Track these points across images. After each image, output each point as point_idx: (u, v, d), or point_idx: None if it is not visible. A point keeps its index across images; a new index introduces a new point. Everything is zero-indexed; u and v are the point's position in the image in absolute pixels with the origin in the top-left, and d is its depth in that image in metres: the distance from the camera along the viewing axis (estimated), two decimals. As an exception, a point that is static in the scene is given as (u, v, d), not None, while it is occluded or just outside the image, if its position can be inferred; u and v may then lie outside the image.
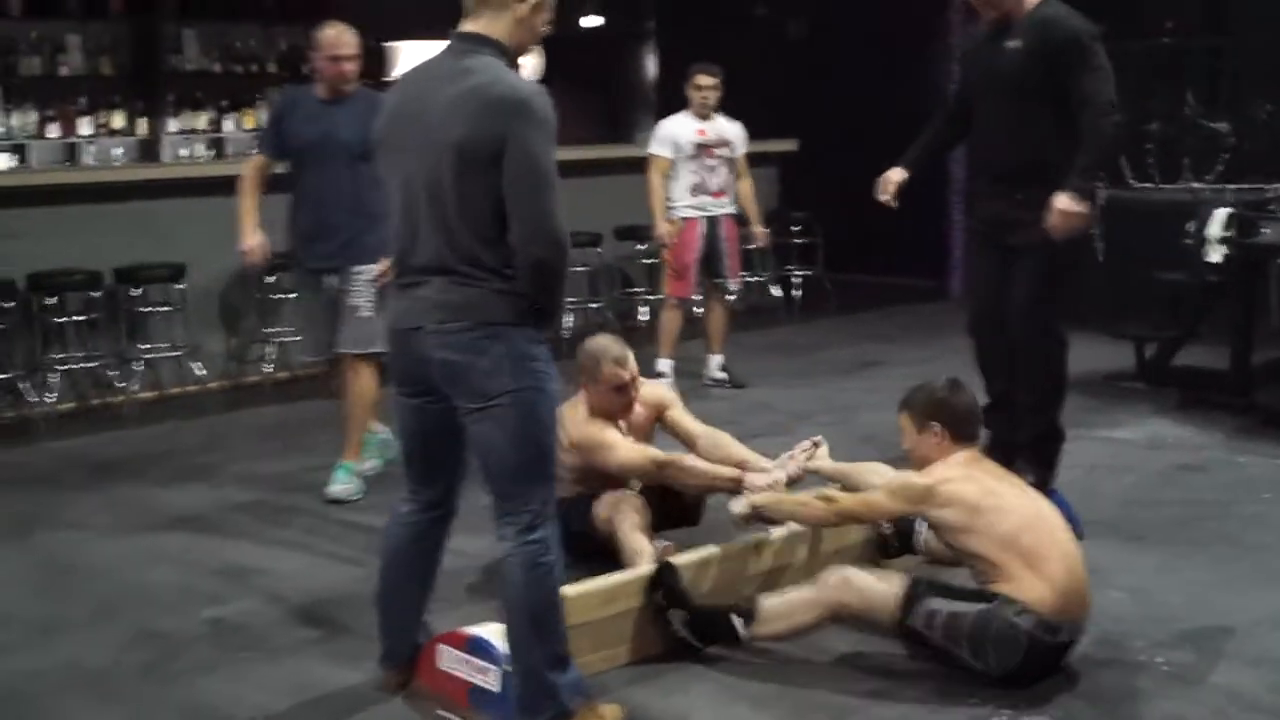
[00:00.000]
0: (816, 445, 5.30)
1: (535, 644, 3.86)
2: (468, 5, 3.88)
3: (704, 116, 8.61)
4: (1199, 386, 8.25)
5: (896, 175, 6.21)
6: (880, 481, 4.91)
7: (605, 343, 5.37)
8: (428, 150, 3.74)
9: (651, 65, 15.05)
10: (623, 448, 5.25)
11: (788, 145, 11.89)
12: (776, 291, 11.58)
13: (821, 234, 11.69)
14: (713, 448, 5.40)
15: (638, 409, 5.46)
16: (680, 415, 5.58)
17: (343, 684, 4.46)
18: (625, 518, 5.13)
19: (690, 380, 8.81)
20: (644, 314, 10.69)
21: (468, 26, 3.87)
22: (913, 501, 4.52)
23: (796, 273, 11.73)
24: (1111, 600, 4.92)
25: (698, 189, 8.59)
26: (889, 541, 5.22)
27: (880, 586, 4.43)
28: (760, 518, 4.82)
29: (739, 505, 4.83)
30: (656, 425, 5.58)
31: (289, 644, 4.84)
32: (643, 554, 4.94)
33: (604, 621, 4.42)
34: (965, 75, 6.31)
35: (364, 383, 6.48)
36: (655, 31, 15.10)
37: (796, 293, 11.67)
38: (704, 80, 8.60)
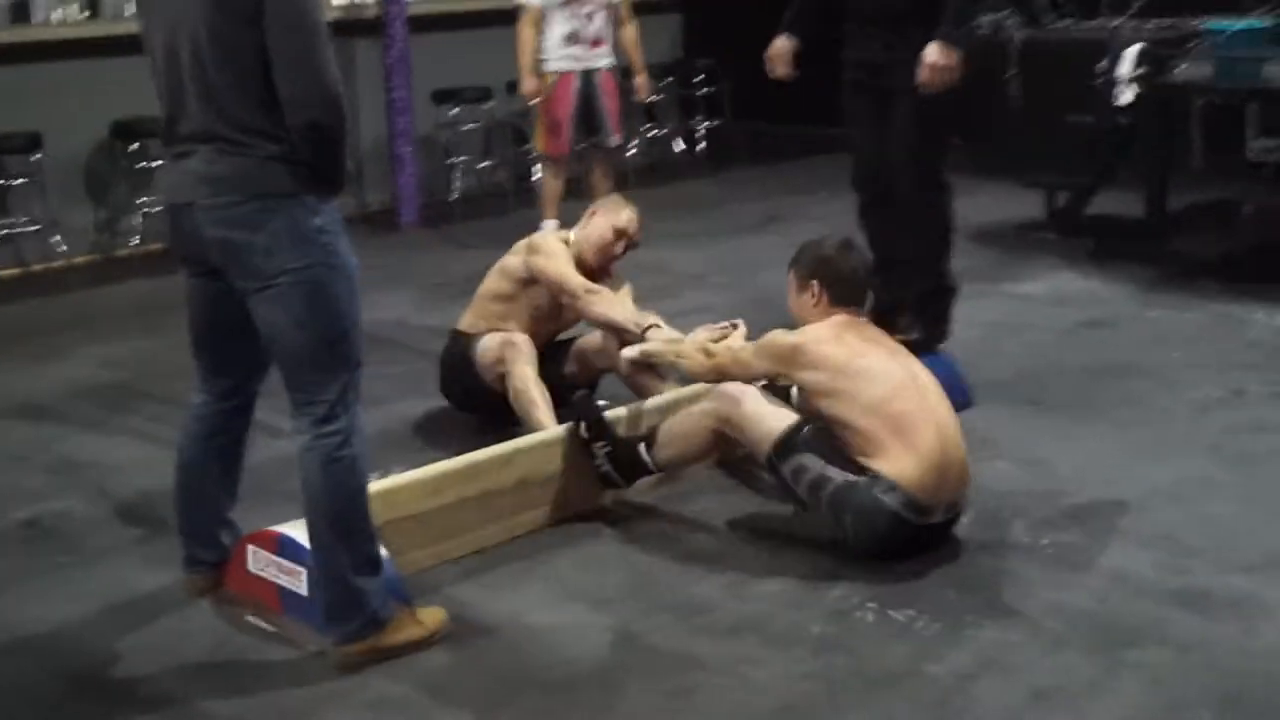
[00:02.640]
0: (734, 327, 4.93)
1: (338, 546, 3.48)
2: None
3: None
4: (1112, 235, 7.90)
5: (787, 46, 5.75)
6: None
7: (621, 200, 5.42)
8: (187, 9, 3.33)
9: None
10: (565, 261, 5.15)
11: (691, -10, 11.38)
12: (680, 145, 11.10)
13: (728, 82, 11.15)
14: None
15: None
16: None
17: (153, 588, 4.08)
18: (520, 359, 4.98)
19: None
20: (539, 173, 10.20)
21: None
22: (779, 360, 4.22)
23: (702, 124, 11.21)
24: (997, 473, 4.59)
25: (571, 39, 8.03)
26: None
27: (765, 422, 4.17)
28: (646, 365, 4.89)
29: (631, 350, 4.83)
30: None
31: (105, 546, 4.45)
32: (538, 404, 4.87)
33: (430, 514, 4.05)
34: None
35: None
36: None
37: (702, 145, 11.17)
38: None
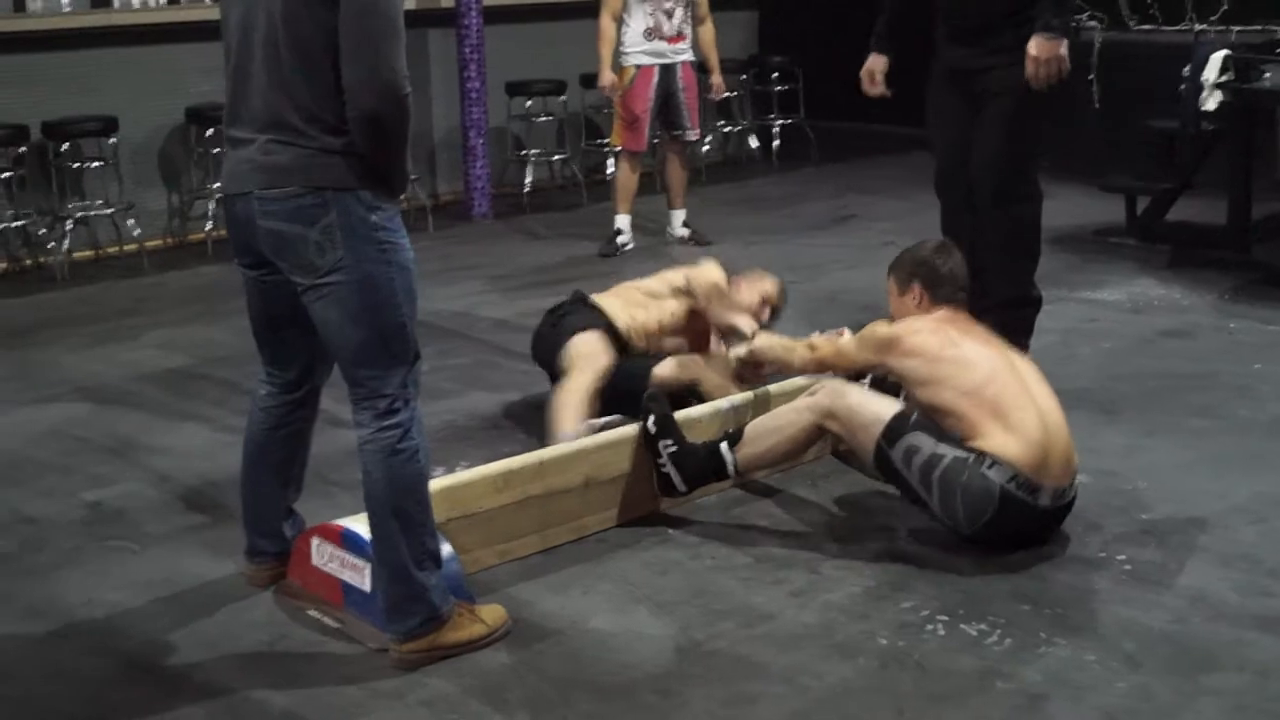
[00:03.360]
0: (840, 334, 4.86)
1: (399, 540, 3.42)
2: None
3: None
4: (1193, 243, 7.74)
5: (878, 65, 5.69)
6: None
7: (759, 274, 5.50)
8: None
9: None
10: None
11: (769, -13, 11.30)
12: (754, 142, 11.03)
13: (803, 80, 11.03)
14: None
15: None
16: None
17: (212, 576, 4.06)
18: (590, 368, 4.94)
19: (652, 238, 8.37)
20: (612, 167, 10.15)
21: None
22: (878, 350, 4.30)
23: (776, 122, 11.12)
24: (1073, 485, 4.46)
25: (652, 33, 7.98)
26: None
27: (871, 406, 4.18)
28: (754, 360, 4.86)
29: (739, 348, 4.88)
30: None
31: (166, 532, 4.42)
32: (564, 412, 4.79)
33: (495, 512, 3.98)
34: None
35: None
36: None
37: (776, 143, 11.09)
38: None
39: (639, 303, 5.31)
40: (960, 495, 3.95)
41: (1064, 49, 5.10)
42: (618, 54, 8.02)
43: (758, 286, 5.38)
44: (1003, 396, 4.02)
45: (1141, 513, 4.34)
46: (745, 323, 5.07)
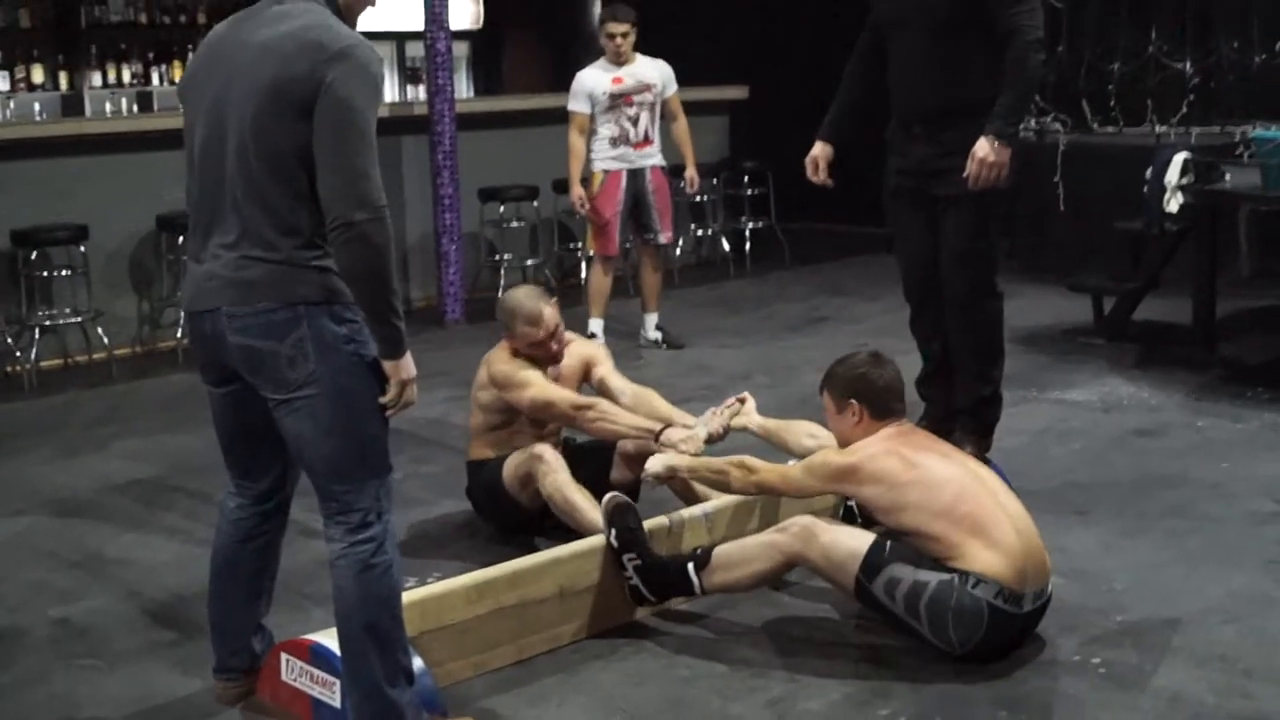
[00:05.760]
0: (741, 402, 4.97)
1: (372, 656, 3.38)
2: None
3: (619, 63, 8.07)
4: (1160, 341, 7.81)
5: (822, 153, 5.65)
6: (812, 444, 4.66)
7: (520, 298, 5.07)
8: (235, 99, 3.29)
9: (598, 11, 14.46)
10: (538, 384, 4.97)
11: (738, 92, 11.46)
12: (727, 245, 11.12)
13: (774, 183, 11.14)
14: (637, 406, 5.08)
15: (566, 361, 5.16)
16: (608, 373, 5.28)
17: (182, 694, 4.00)
18: (551, 470, 4.79)
19: (626, 341, 8.38)
20: (585, 272, 10.20)
21: None
22: (831, 480, 4.19)
23: (749, 224, 11.22)
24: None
25: (618, 140, 8.08)
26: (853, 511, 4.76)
27: (844, 544, 4.07)
28: (676, 479, 4.68)
29: (656, 464, 4.56)
30: (584, 384, 5.30)
31: (134, 648, 4.36)
32: (584, 507, 4.66)
33: (468, 623, 3.94)
34: (877, 7, 5.55)
35: None
36: (603, -25, 14.48)
37: (748, 245, 11.17)
38: (614, 27, 8.02)
39: (506, 439, 5.09)
40: (951, 619, 3.90)
41: (1008, 157, 5.09)
42: (587, 162, 8.09)
43: (522, 319, 5.00)
44: (978, 513, 3.97)
45: (1117, 613, 4.33)
46: (633, 425, 4.82)
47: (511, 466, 4.95)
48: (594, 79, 8.07)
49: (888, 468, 4.05)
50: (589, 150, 8.09)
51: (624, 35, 8.00)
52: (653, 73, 8.15)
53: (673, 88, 8.25)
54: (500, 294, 5.28)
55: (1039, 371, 7.30)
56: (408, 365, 3.32)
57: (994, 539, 3.93)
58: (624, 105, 8.03)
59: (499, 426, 5.13)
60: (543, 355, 5.05)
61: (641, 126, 8.08)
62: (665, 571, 4.27)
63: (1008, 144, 5.06)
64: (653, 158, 8.18)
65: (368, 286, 3.21)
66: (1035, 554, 4.01)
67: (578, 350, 5.27)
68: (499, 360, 5.06)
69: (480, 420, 5.18)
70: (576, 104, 8.07)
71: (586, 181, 8.10)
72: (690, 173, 8.44)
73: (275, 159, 3.24)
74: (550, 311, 5.02)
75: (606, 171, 8.08)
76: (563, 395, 4.96)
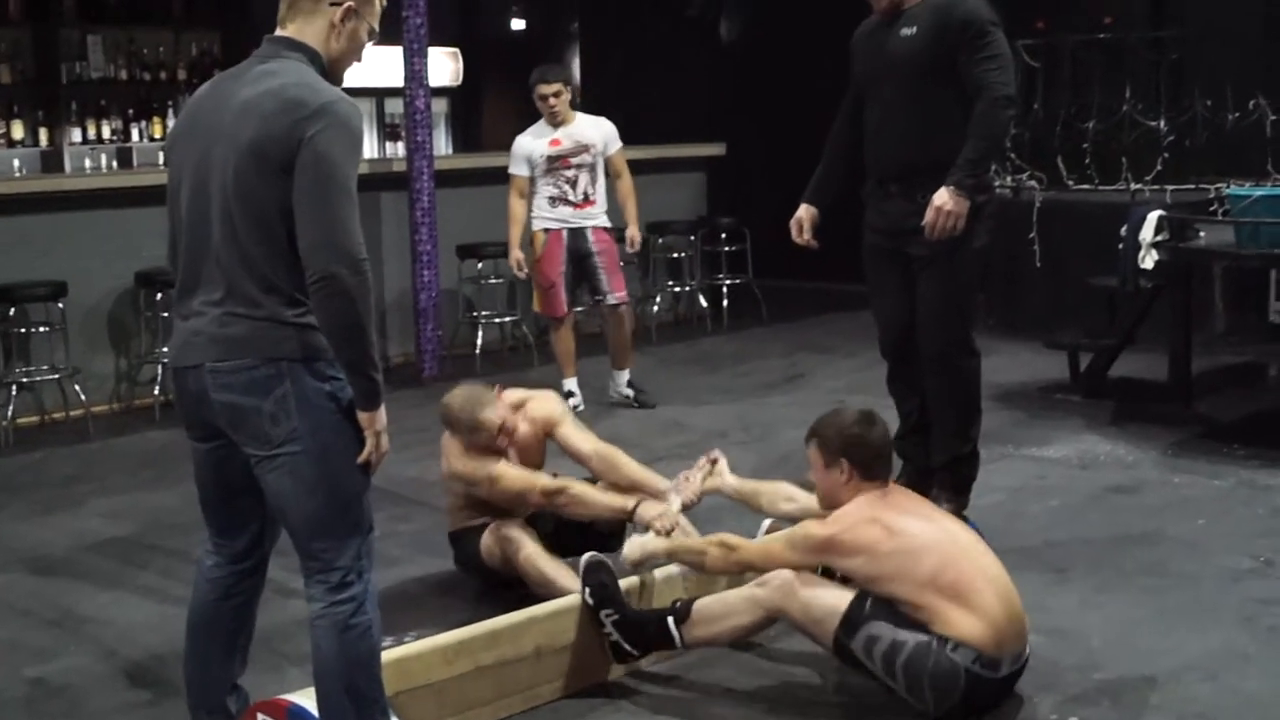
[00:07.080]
0: (714, 462, 4.91)
1: (350, 717, 3.38)
2: (281, 10, 3.49)
3: (556, 124, 8.08)
4: (1136, 398, 7.85)
5: (806, 215, 5.71)
6: (791, 508, 4.65)
7: (456, 411, 5.01)
8: (218, 159, 3.31)
9: (576, 67, 14.55)
10: (506, 477, 4.91)
11: (715, 149, 11.51)
12: (704, 302, 11.16)
13: (751, 240, 11.20)
14: (606, 469, 5.06)
15: (524, 428, 5.12)
16: (570, 432, 5.20)
17: (158, 757, 3.98)
18: (520, 547, 4.80)
19: (600, 398, 8.37)
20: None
21: (279, 32, 3.48)
22: (814, 553, 4.14)
23: (726, 281, 11.26)
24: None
25: (557, 200, 8.08)
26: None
27: (824, 600, 4.06)
28: (653, 561, 4.56)
29: (632, 550, 4.51)
30: (548, 441, 5.24)
31: (110, 709, 4.35)
32: (557, 578, 4.67)
33: (446, 683, 3.94)
34: (856, 69, 5.63)
35: None
36: (580, 33, 14.59)
37: (725, 302, 11.22)
38: (544, 88, 8.03)
39: (480, 514, 5.07)
40: (927, 681, 3.90)
41: (965, 209, 5.12)
42: (528, 224, 8.13)
43: (469, 427, 4.96)
44: (959, 581, 3.95)
45: (1095, 672, 4.34)
46: (607, 505, 4.80)
47: (484, 549, 4.97)
48: (530, 142, 8.08)
49: (869, 538, 4.03)
50: (530, 210, 8.11)
51: (555, 95, 7.99)
52: (592, 132, 8.14)
53: (615, 146, 8.22)
54: (445, 397, 5.16)
55: (1016, 428, 7.34)
56: (381, 415, 3.33)
57: (974, 605, 3.92)
58: (561, 168, 8.04)
59: (471, 504, 5.11)
60: (497, 448, 5.00)
61: (580, 187, 8.08)
62: (644, 626, 4.28)
63: (966, 195, 5.11)
64: (595, 218, 8.15)
65: (347, 338, 3.23)
66: (1015, 618, 4.01)
67: (536, 412, 5.19)
68: (454, 456, 5.01)
69: (451, 500, 5.21)
70: (515, 167, 8.09)
71: (529, 242, 8.12)
72: (631, 232, 8.32)
73: (258, 217, 3.26)
74: (489, 415, 4.93)
75: (547, 230, 8.09)
76: (530, 483, 4.89)
